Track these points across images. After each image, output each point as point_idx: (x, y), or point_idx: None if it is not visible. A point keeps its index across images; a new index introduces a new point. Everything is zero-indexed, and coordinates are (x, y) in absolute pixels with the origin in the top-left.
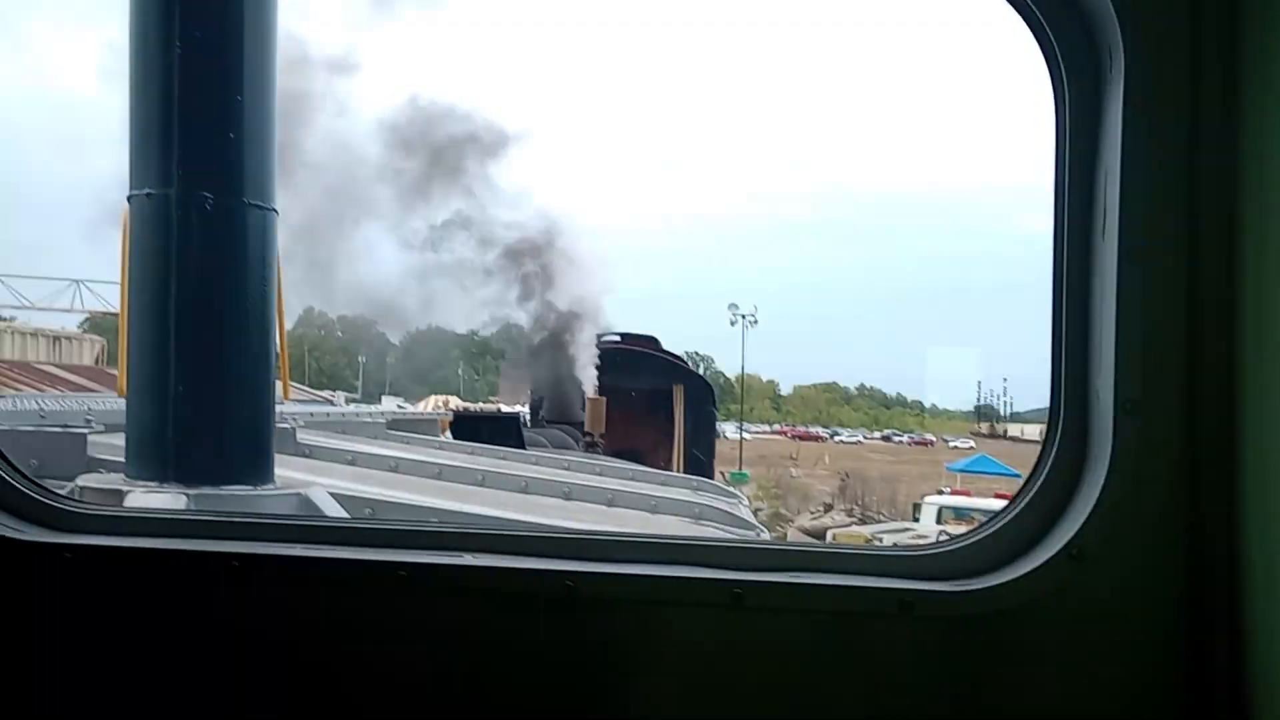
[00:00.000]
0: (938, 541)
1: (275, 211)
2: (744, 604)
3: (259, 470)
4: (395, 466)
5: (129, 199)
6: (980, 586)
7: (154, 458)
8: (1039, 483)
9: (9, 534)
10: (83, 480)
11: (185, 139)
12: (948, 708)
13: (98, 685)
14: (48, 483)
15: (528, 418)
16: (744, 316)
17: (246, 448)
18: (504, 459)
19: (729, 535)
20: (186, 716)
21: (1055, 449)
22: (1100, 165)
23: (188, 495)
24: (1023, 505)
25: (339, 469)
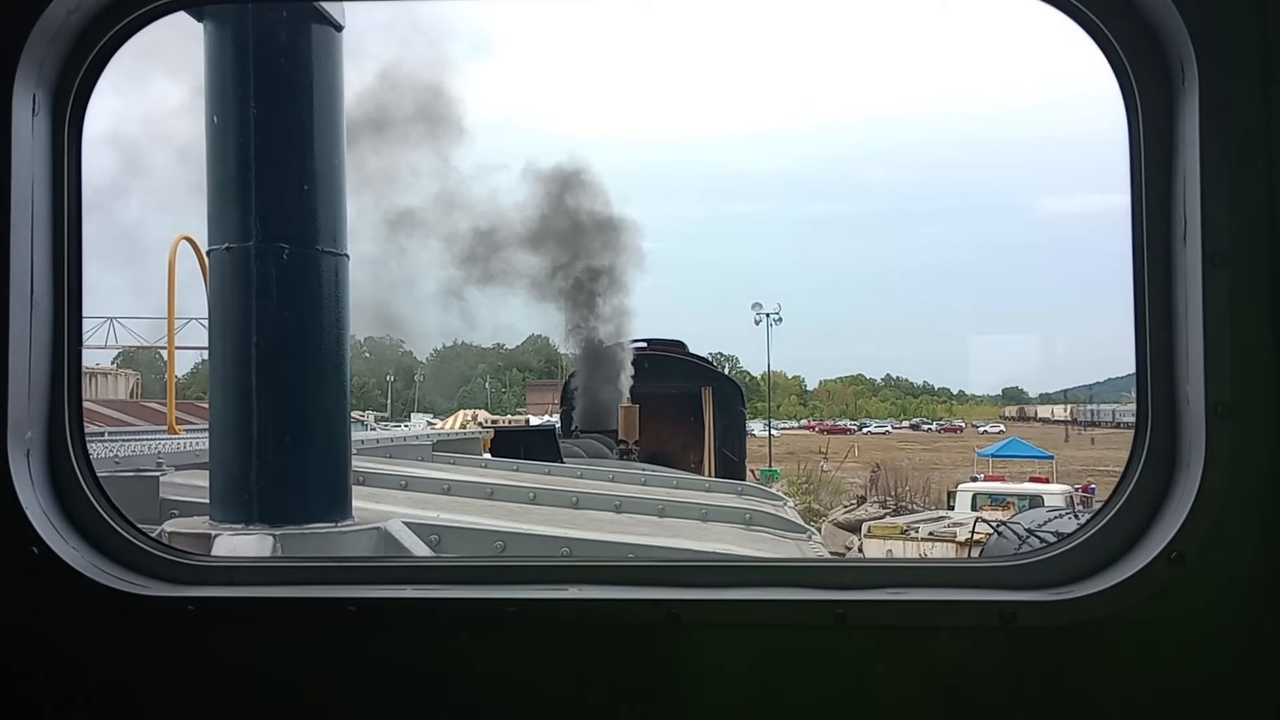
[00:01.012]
0: (1035, 549)
1: (347, 256)
2: (848, 623)
3: (338, 507)
4: (448, 489)
5: (208, 254)
6: (1082, 594)
7: (239, 501)
8: (1131, 487)
9: (134, 590)
10: (170, 526)
11: (261, 194)
12: (1054, 718)
13: None
14: None
15: (559, 426)
16: (768, 315)
17: (326, 486)
18: (550, 473)
19: (828, 555)
20: None
21: (1146, 453)
22: (1177, 173)
23: (273, 535)
24: (1116, 509)
25: (395, 494)
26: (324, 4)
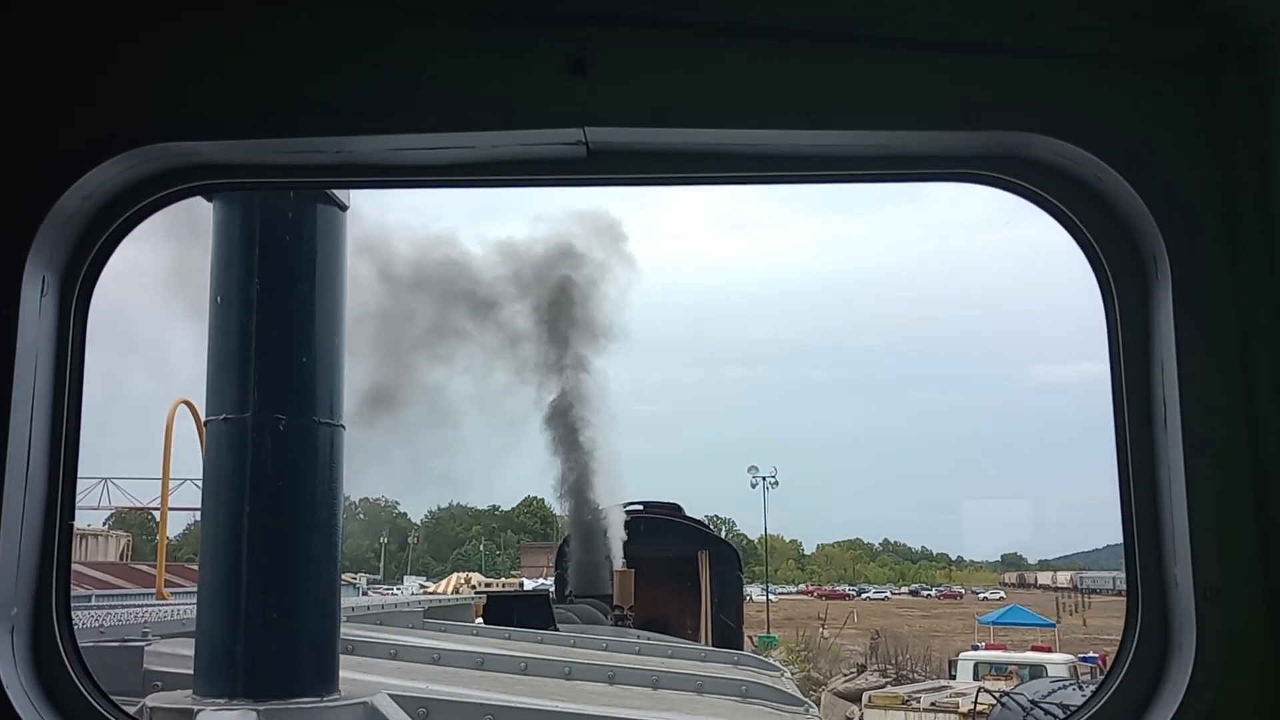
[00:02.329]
0: None
1: (343, 427)
2: None
3: (325, 681)
4: (438, 659)
5: (206, 424)
6: None
7: (224, 674)
8: (1124, 669)
9: None
10: (152, 701)
11: (261, 366)
12: None
13: None
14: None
15: (553, 590)
16: (764, 478)
17: (313, 660)
18: (542, 642)
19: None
20: None
21: (1138, 635)
22: (1155, 360)
23: (257, 711)
24: (1112, 692)
25: (383, 664)
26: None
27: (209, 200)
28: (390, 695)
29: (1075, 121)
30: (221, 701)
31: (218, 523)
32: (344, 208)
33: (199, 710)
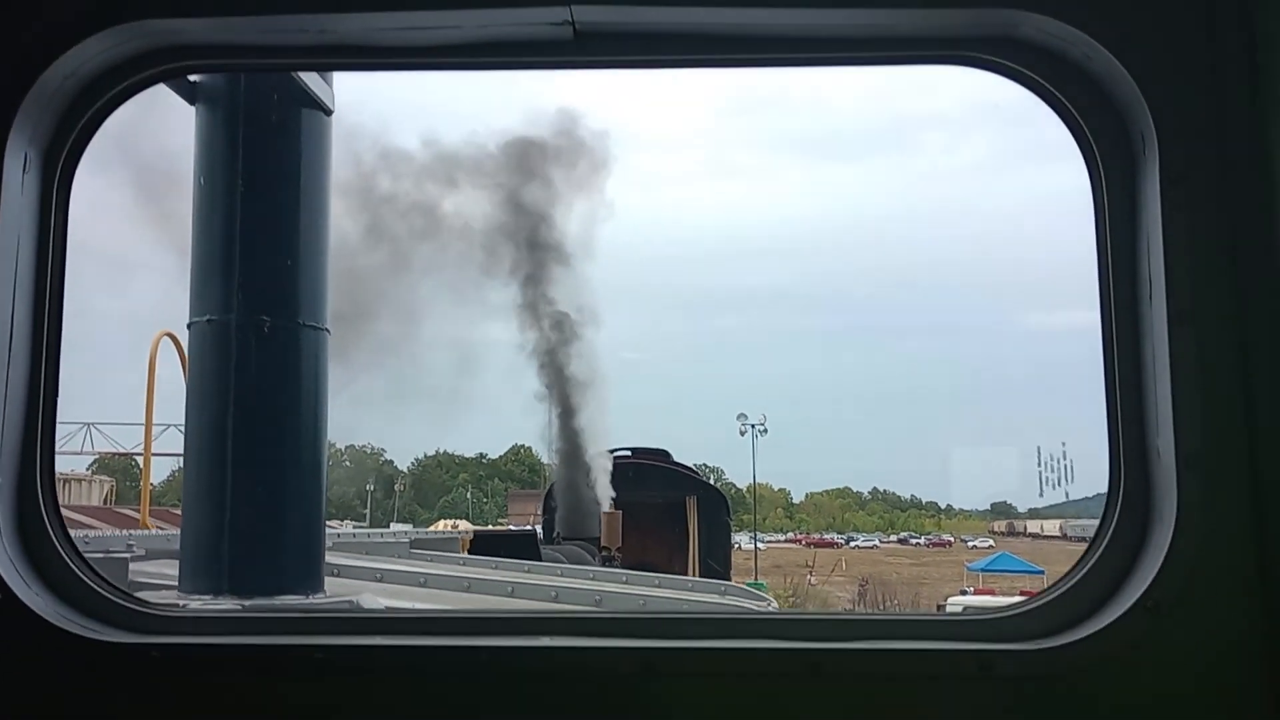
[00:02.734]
0: (1013, 604)
1: (328, 331)
2: (822, 673)
3: (311, 580)
4: (424, 582)
5: (189, 326)
6: (1058, 644)
7: (209, 571)
8: (1106, 540)
9: (98, 637)
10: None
11: (246, 267)
12: None
13: None
14: None
15: (540, 534)
16: (753, 426)
17: (299, 558)
18: (529, 571)
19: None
20: None
21: (1120, 506)
22: (1141, 237)
23: (242, 605)
24: (1093, 562)
25: (370, 586)
26: (314, 88)
27: (191, 104)
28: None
29: None
30: (206, 598)
31: (202, 423)
32: (328, 112)
33: (184, 605)
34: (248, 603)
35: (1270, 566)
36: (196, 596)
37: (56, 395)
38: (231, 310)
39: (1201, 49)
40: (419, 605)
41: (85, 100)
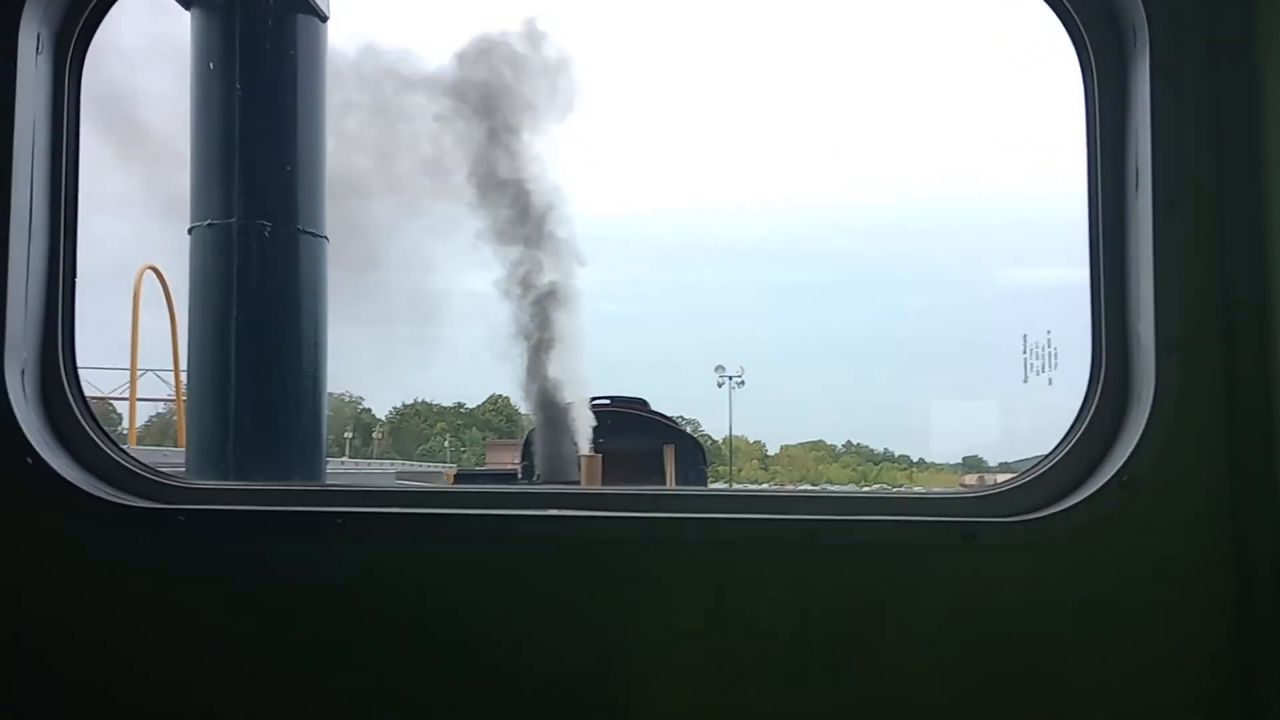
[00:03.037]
0: (996, 483)
1: (326, 239)
2: (818, 542)
3: (314, 477)
4: None
5: (190, 231)
6: (1038, 516)
7: (214, 470)
8: (1087, 420)
9: (128, 503)
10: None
11: (246, 173)
12: (1010, 631)
13: (217, 634)
14: None
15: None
16: (730, 378)
17: (302, 458)
18: None
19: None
20: (298, 664)
21: (1100, 387)
22: (1130, 126)
23: None
24: (1073, 442)
25: None
26: None
27: (186, 9)
28: None
29: None
30: None
31: (205, 327)
32: (324, 18)
33: None
34: None
35: (1238, 448)
36: (193, 482)
37: (75, 273)
38: (233, 215)
39: None
40: None
41: None
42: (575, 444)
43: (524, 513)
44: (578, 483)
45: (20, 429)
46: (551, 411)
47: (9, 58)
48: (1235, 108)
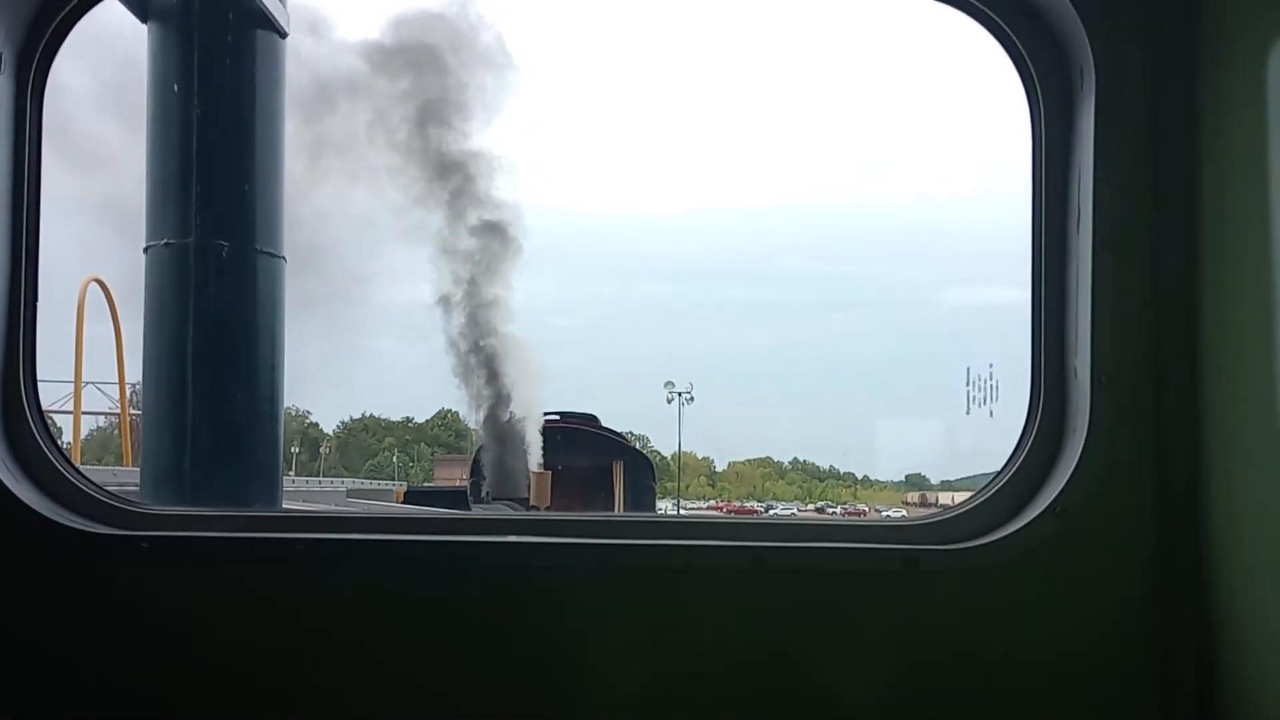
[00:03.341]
0: (936, 511)
1: (284, 259)
2: (766, 567)
3: (270, 499)
4: None
5: (146, 250)
6: (976, 544)
7: (170, 490)
8: (1024, 452)
9: (91, 529)
10: None
11: (203, 191)
12: (949, 653)
13: (179, 658)
14: None
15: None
16: (680, 394)
17: (258, 480)
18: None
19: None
20: (260, 688)
21: (1039, 420)
22: (1074, 168)
23: None
24: (1011, 473)
25: None
26: (269, 7)
27: (143, 22)
28: None
29: None
30: None
31: (161, 347)
32: (283, 34)
33: None
34: None
35: (1166, 480)
36: (156, 508)
37: (36, 298)
38: (190, 234)
39: None
40: None
41: (56, 3)
42: (526, 460)
43: (481, 539)
44: (527, 499)
45: None
46: (499, 428)
47: None
48: (1174, 154)
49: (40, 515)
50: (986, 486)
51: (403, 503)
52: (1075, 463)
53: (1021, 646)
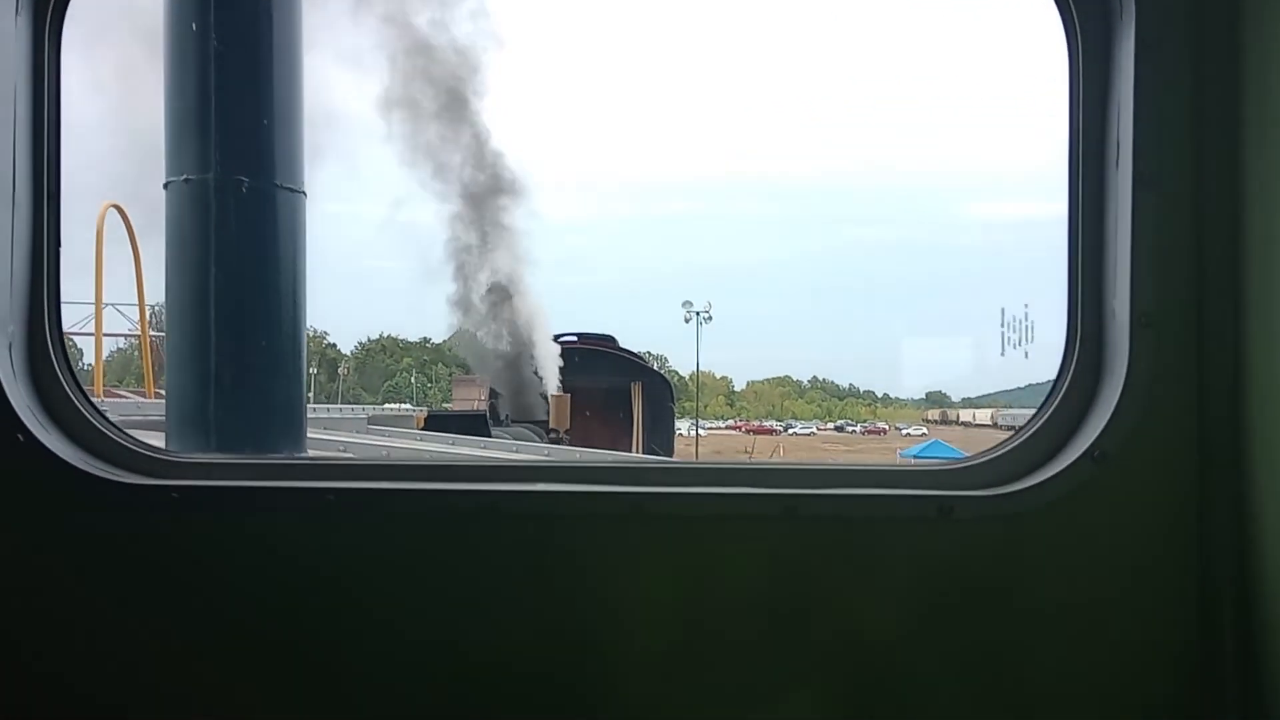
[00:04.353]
0: (972, 456)
1: (304, 194)
2: (797, 515)
3: (294, 441)
4: (386, 455)
5: (165, 186)
6: (1012, 490)
7: (196, 431)
8: (1061, 394)
9: (120, 479)
10: None
11: (222, 126)
12: (985, 601)
13: (209, 609)
14: None
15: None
16: (698, 314)
17: (282, 420)
18: (485, 447)
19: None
20: (289, 639)
21: (1075, 362)
22: (1112, 101)
23: None
24: (1047, 415)
25: (337, 458)
26: None
27: None
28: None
29: None
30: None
31: (183, 284)
32: None
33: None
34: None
35: (1207, 425)
36: (184, 456)
37: (60, 243)
38: (209, 169)
39: None
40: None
41: None
42: (542, 383)
43: (508, 487)
44: (545, 421)
45: (10, 405)
46: (520, 355)
47: None
48: (1216, 86)
49: (70, 465)
50: (1022, 429)
51: (423, 428)
52: (1114, 406)
53: (1057, 593)
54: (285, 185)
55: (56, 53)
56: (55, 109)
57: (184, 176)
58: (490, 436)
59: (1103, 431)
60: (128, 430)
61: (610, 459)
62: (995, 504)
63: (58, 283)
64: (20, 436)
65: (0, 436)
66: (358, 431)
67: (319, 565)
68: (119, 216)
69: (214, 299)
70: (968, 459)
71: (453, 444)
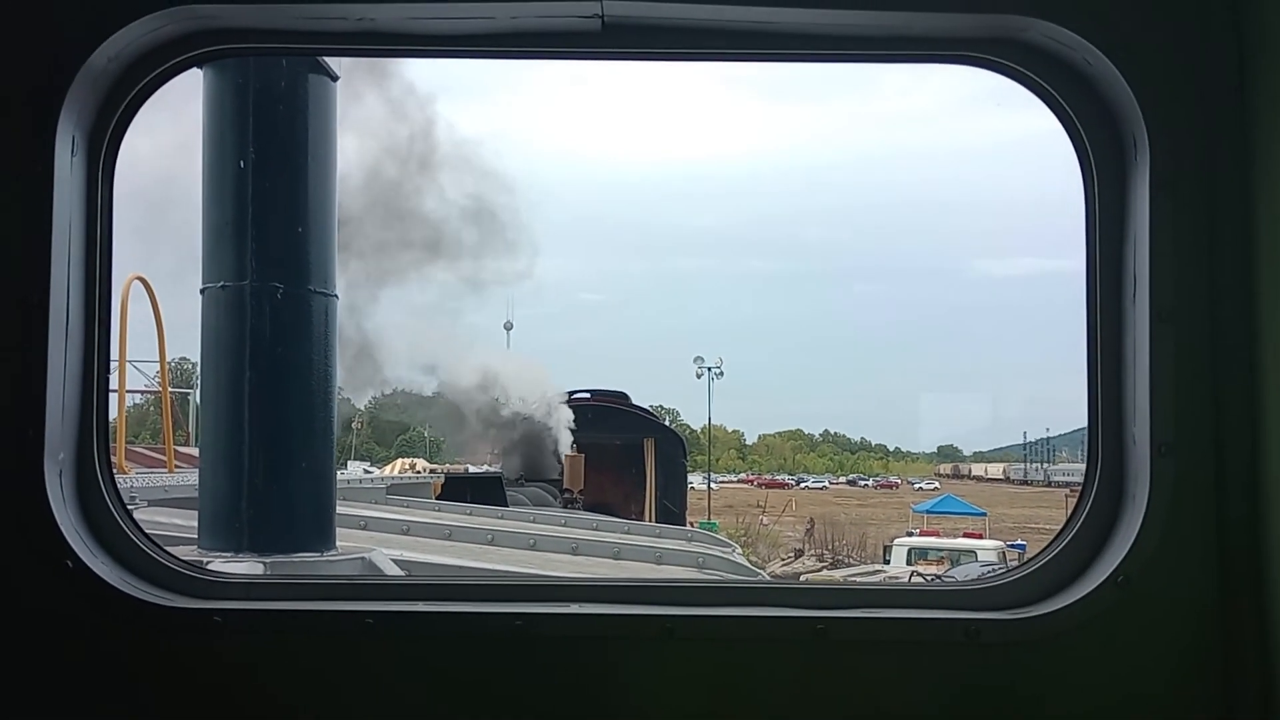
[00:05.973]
0: (996, 574)
1: (336, 297)
2: (825, 638)
3: (324, 536)
4: (407, 530)
5: (202, 291)
6: (1038, 613)
7: (229, 529)
8: (1083, 518)
9: (163, 602)
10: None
11: (258, 235)
12: None
13: None
14: None
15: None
16: (709, 369)
17: (313, 517)
18: (503, 518)
19: (811, 579)
20: None
21: (1096, 488)
22: (1129, 237)
23: (263, 562)
24: (1070, 538)
25: (357, 534)
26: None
27: (199, 68)
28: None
29: (1072, 6)
30: (228, 554)
31: (219, 387)
32: (335, 78)
33: (208, 561)
34: (268, 560)
35: (1228, 551)
36: (217, 554)
37: (109, 371)
38: (246, 277)
39: (1197, 59)
40: (419, 555)
41: (127, 82)
42: (557, 443)
43: (543, 610)
44: (558, 481)
45: (60, 532)
46: (528, 427)
47: (47, 162)
48: (1229, 223)
49: (117, 590)
50: (1046, 549)
51: (440, 496)
52: (1136, 532)
53: (1084, 718)
54: (318, 290)
55: (109, 189)
56: (107, 242)
57: (220, 283)
58: (506, 502)
59: (1125, 557)
60: (162, 507)
61: (641, 579)
62: (1021, 628)
63: (106, 408)
64: (69, 563)
65: (49, 563)
66: (375, 503)
67: (357, 687)
68: (143, 288)
69: (248, 400)
70: (992, 579)
71: (470, 513)
